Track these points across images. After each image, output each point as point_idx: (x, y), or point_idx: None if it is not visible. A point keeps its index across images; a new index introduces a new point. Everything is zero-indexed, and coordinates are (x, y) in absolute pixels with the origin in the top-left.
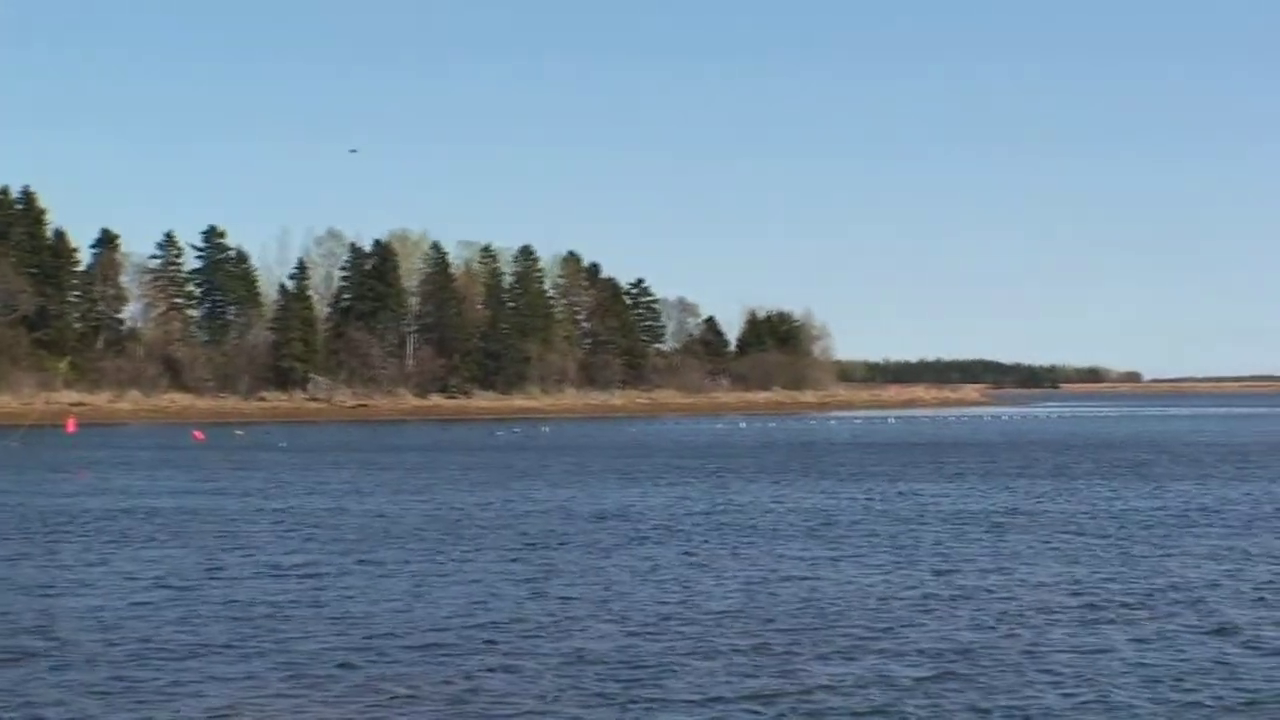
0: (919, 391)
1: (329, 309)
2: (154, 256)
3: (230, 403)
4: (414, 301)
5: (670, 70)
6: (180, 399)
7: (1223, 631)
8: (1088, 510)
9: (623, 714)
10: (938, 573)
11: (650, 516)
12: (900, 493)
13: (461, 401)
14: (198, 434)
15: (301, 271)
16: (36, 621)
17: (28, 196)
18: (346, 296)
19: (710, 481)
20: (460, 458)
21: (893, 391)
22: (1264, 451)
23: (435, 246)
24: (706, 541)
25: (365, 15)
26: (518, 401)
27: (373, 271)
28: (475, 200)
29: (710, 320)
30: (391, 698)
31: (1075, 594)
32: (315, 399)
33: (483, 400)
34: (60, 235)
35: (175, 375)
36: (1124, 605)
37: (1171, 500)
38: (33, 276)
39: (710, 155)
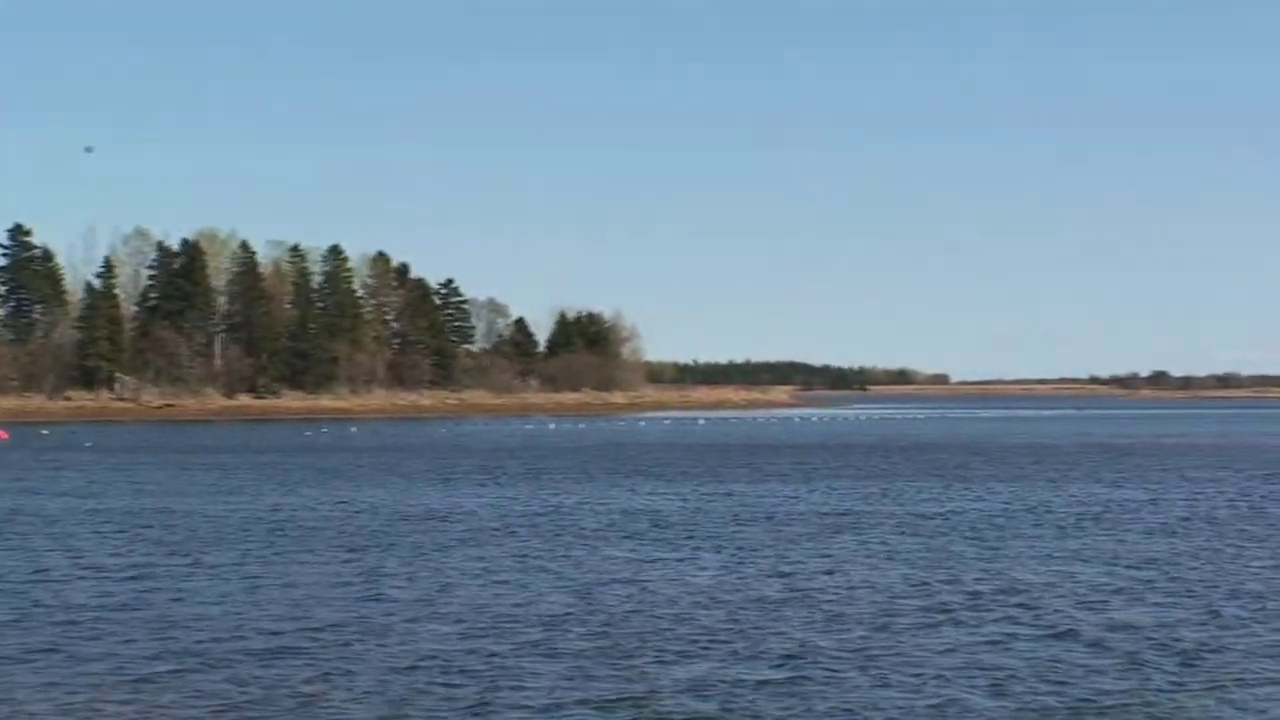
0: (728, 393)
1: (136, 308)
2: None
3: (35, 402)
4: (222, 301)
5: (478, 69)
6: None
7: (1058, 631)
8: (914, 511)
9: (470, 718)
10: (772, 574)
11: (477, 517)
12: (723, 494)
13: (269, 401)
14: (1, 433)
15: (108, 270)
16: None
17: None
18: (153, 295)
19: (532, 483)
20: (275, 458)
21: (702, 393)
22: (1078, 453)
23: (244, 246)
24: (537, 543)
25: (172, 7)
26: (326, 402)
27: (180, 270)
28: (285, 199)
29: (520, 321)
30: (226, 704)
31: (910, 595)
32: (122, 399)
33: (291, 400)
34: None
35: None
36: (960, 606)
37: (995, 502)
38: None
39: (521, 155)
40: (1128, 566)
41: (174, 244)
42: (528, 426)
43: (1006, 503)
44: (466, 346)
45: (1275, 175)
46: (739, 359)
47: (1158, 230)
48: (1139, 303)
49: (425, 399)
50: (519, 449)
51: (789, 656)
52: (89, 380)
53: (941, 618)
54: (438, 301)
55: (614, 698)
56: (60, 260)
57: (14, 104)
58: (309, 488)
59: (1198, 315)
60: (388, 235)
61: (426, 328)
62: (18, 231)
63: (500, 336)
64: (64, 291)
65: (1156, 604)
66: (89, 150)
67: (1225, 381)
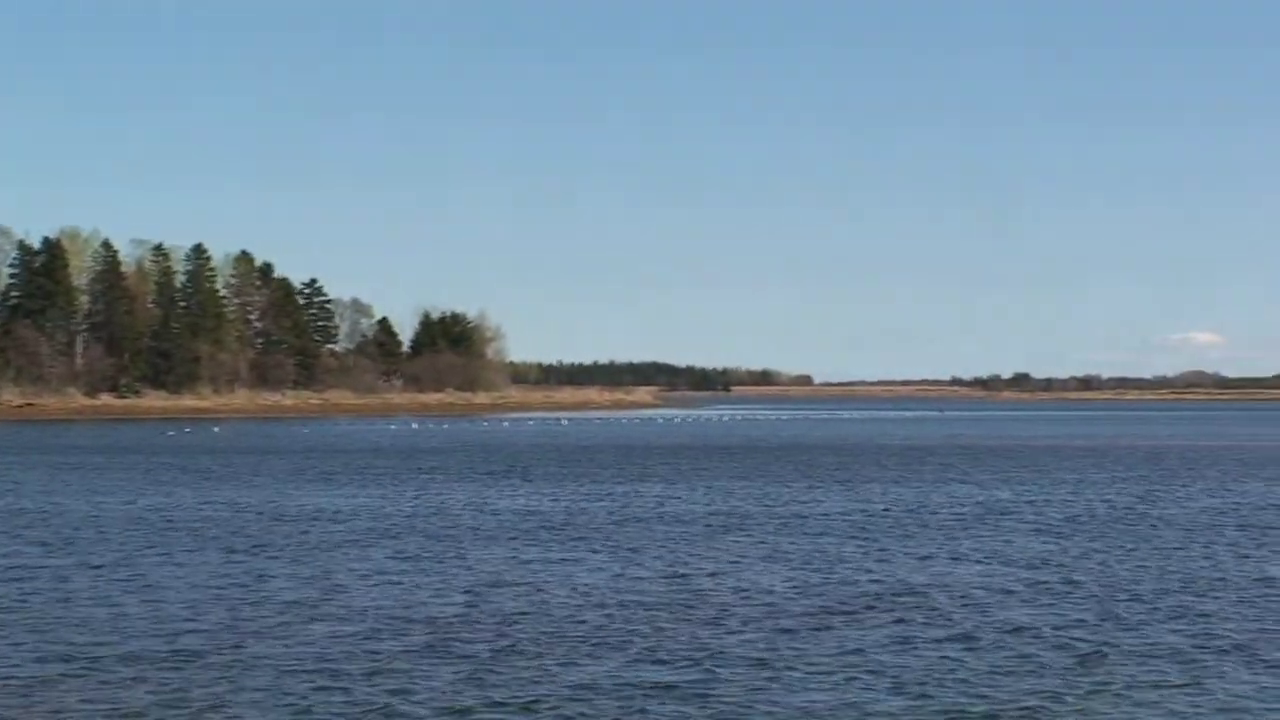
0: (592, 394)
1: None
2: None
3: None
4: (84, 300)
5: (340, 61)
6: None
7: (953, 632)
8: (797, 513)
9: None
10: (664, 575)
11: (358, 518)
12: (603, 495)
13: (131, 401)
14: None
15: None
16: None
17: None
18: (14, 294)
19: (409, 484)
20: (142, 459)
21: (566, 393)
22: (951, 454)
23: (106, 245)
24: (423, 544)
25: (15, 4)
26: (188, 401)
27: (41, 269)
28: (147, 198)
29: (384, 321)
30: (118, 708)
31: (804, 596)
32: None
33: (153, 400)
34: None
35: None
36: (856, 608)
37: (878, 503)
38: None
39: (382, 152)
40: (1017, 566)
41: (35, 242)
42: (392, 427)
43: (888, 504)
44: (330, 346)
45: (1137, 178)
46: (603, 360)
47: (1018, 233)
48: (1000, 305)
49: (288, 399)
50: (388, 449)
51: (686, 658)
52: None
53: (838, 619)
54: (301, 301)
55: (510, 700)
56: None
57: None
58: (182, 488)
59: (1058, 318)
60: (251, 235)
61: (290, 327)
62: None
63: (364, 337)
64: None
65: (1049, 604)
66: None
67: (1086, 383)
